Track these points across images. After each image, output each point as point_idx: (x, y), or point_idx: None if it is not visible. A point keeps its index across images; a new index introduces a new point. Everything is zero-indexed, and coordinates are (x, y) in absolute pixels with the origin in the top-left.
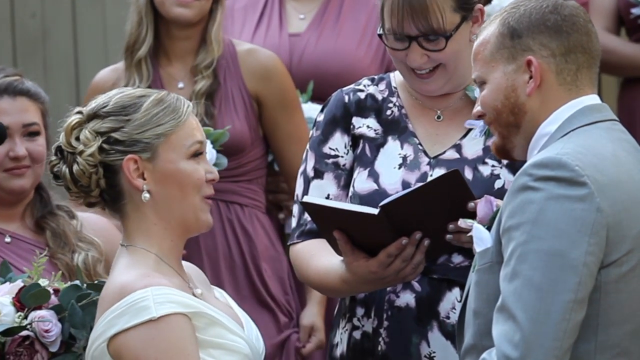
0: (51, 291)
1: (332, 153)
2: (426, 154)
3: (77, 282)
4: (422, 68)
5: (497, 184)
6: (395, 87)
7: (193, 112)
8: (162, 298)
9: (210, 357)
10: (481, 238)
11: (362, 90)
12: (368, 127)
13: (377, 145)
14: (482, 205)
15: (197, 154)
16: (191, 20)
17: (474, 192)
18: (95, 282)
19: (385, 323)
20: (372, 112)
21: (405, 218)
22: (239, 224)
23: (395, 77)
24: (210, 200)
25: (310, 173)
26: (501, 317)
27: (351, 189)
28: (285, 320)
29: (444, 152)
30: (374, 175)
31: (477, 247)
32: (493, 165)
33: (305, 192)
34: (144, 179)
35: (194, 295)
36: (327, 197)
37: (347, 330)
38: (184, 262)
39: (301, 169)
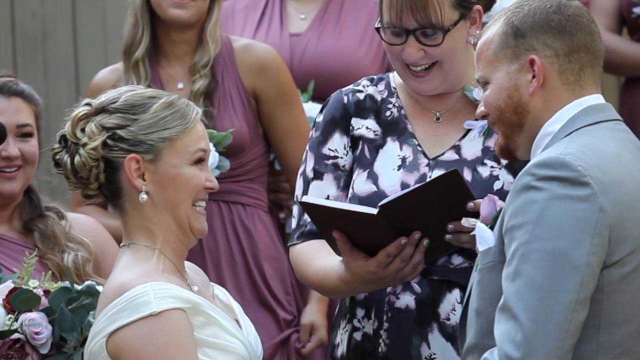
0: (41, 293)
1: (332, 154)
2: (425, 155)
3: (67, 283)
4: (417, 64)
5: (496, 185)
6: (394, 88)
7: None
8: (163, 293)
9: (205, 356)
10: (484, 237)
11: (361, 91)
12: (367, 128)
13: (376, 146)
14: (485, 205)
15: (200, 161)
16: (188, 21)
17: (473, 193)
18: (85, 285)
19: (386, 324)
20: (371, 113)
21: (404, 218)
22: (241, 223)
23: (395, 78)
24: (205, 211)
25: (310, 174)
26: (503, 317)
27: (350, 190)
28: (286, 319)
29: (443, 154)
30: (373, 177)
31: (480, 247)
32: (492, 166)
33: (305, 193)
34: (144, 180)
35: None
36: (327, 198)
37: (347, 331)
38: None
39: (300, 170)
